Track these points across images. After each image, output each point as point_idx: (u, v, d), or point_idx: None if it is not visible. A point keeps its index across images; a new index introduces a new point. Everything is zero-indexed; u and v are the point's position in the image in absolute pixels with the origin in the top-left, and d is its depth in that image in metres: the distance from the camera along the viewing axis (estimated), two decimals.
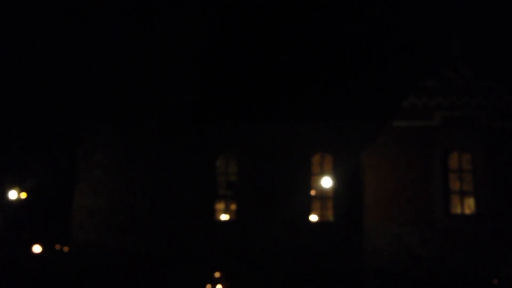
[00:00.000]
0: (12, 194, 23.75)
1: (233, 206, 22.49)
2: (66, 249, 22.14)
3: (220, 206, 22.58)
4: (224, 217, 22.49)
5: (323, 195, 22.20)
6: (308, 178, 22.05)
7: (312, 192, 22.13)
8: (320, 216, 22.16)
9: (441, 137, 18.78)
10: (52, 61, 25.42)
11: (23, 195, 24.37)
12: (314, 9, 25.09)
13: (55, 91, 25.31)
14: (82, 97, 23.60)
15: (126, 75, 23.22)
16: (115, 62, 23.39)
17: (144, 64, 23.25)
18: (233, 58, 24.02)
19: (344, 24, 24.29)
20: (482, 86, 18.68)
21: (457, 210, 18.98)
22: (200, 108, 22.78)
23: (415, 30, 23.10)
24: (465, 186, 19.07)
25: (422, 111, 18.89)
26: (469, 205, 19.08)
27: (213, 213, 22.34)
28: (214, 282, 17.73)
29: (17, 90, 25.64)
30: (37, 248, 22.01)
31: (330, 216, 22.04)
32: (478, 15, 20.36)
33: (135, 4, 23.79)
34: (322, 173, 22.12)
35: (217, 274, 18.00)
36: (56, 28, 25.63)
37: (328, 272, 18.37)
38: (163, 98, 22.98)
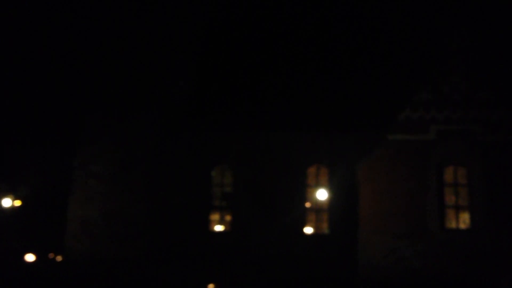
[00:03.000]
0: (6, 202, 23.65)
1: (228, 217, 22.44)
2: (59, 258, 21.99)
3: (215, 217, 22.53)
4: (219, 228, 22.43)
5: (318, 207, 22.19)
6: (303, 190, 22.07)
7: (307, 204, 22.11)
8: (315, 228, 22.14)
9: (436, 151, 18.78)
10: (47, 70, 25.43)
11: (18, 203, 24.28)
12: (311, 20, 25.23)
13: (51, 100, 25.31)
14: (77, 107, 23.66)
15: (121, 85, 23.28)
16: (110, 73, 23.46)
17: (138, 74, 23.32)
18: (227, 68, 24.11)
19: (341, 36, 24.45)
20: (478, 100, 18.71)
21: (452, 224, 18.94)
22: (195, 118, 22.81)
23: (411, 43, 23.26)
24: (460, 201, 19.04)
25: (417, 125, 18.90)
26: (464, 220, 19.04)
27: (208, 224, 22.30)
28: None
29: (12, 99, 25.62)
30: (30, 257, 21.87)
31: (325, 228, 22.02)
32: (474, 29, 20.45)
33: (131, 10, 23.93)
34: (318, 185, 22.13)
35: (210, 286, 17.93)
36: (51, 36, 25.67)
37: (322, 285, 18.27)
38: (157, 107, 23.03)
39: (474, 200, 18.71)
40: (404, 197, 18.66)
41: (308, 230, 22.02)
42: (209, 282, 18.15)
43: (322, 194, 21.77)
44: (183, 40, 23.99)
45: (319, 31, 24.79)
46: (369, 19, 24.61)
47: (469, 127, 18.65)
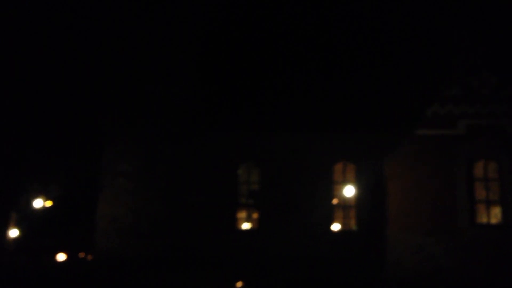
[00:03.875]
0: (38, 203, 24.14)
1: (255, 215, 22.47)
2: (90, 257, 22.34)
3: (242, 214, 22.60)
4: (246, 225, 22.49)
5: (345, 203, 22.09)
6: (330, 187, 21.95)
7: (335, 201, 22.00)
8: (342, 225, 22.04)
9: (465, 146, 18.43)
10: (73, 71, 25.76)
11: (49, 203, 24.74)
12: (338, 15, 24.99)
13: (79, 101, 25.64)
14: (104, 107, 23.90)
15: (148, 84, 23.45)
16: (135, 73, 23.63)
17: (165, 74, 23.45)
18: (254, 67, 24.04)
19: (366, 32, 24.14)
20: (507, 94, 18.33)
21: (483, 219, 18.59)
22: (222, 116, 22.84)
23: (439, 38, 22.85)
24: (491, 195, 18.67)
25: (446, 120, 18.57)
26: (495, 214, 18.69)
27: (235, 222, 22.35)
28: None
29: (42, 100, 26.04)
30: (61, 256, 22.28)
31: (352, 225, 21.90)
32: (503, 23, 19.97)
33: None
34: (345, 181, 22.00)
35: (238, 284, 17.99)
36: (71, 42, 26.01)
37: (349, 282, 18.19)
38: (184, 106, 23.11)
39: (506, 194, 18.32)
40: (432, 192, 18.36)
41: (336, 226, 21.91)
42: (237, 280, 18.20)
43: (349, 191, 21.64)
44: (206, 40, 24.04)
45: (347, 27, 24.53)
46: (398, 14, 24.23)
47: (498, 122, 18.24)
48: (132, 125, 23.36)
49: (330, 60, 23.61)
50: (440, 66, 21.08)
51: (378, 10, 24.46)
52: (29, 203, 24.34)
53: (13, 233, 23.69)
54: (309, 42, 24.36)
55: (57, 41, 26.14)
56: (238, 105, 23.02)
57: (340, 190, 21.93)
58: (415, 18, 23.69)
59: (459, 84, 18.73)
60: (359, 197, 21.54)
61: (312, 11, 25.09)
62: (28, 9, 26.63)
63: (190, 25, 23.97)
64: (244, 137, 22.53)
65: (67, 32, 26.08)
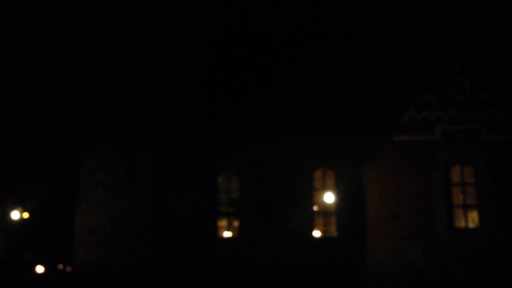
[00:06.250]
0: (15, 215, 23.83)
1: (235, 223, 22.43)
2: (68, 269, 22.08)
3: (222, 223, 22.53)
4: (227, 234, 22.43)
5: (326, 210, 22.16)
6: (310, 194, 22.04)
7: (315, 208, 22.08)
8: (323, 231, 22.10)
9: (442, 151, 18.66)
10: (52, 79, 25.55)
11: (26, 215, 24.43)
12: (315, 24, 25.25)
13: (56, 111, 25.42)
14: (82, 117, 23.72)
15: (126, 93, 23.37)
16: (115, 81, 23.54)
17: (144, 81, 23.39)
18: (232, 74, 24.15)
19: (344, 38, 24.42)
20: (482, 99, 18.57)
21: (461, 223, 18.78)
22: (200, 124, 22.83)
23: (414, 44, 23.20)
24: (468, 200, 18.89)
25: (422, 125, 18.79)
26: (472, 219, 18.89)
27: (216, 230, 22.29)
28: None
29: (18, 111, 25.77)
30: (39, 269, 21.98)
31: (333, 231, 21.97)
32: (476, 28, 20.36)
33: (135, 22, 24.03)
34: (325, 188, 22.11)
35: None
36: (56, 45, 25.80)
37: (331, 287, 18.22)
38: (163, 115, 23.07)
39: (482, 198, 18.54)
40: (410, 198, 18.51)
41: (317, 233, 21.98)
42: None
43: (329, 197, 21.75)
44: (186, 46, 24.04)
45: (323, 35, 24.81)
46: (372, 21, 24.58)
47: (473, 127, 18.49)
48: (110, 134, 23.19)
49: (307, 68, 23.82)
50: (417, 72, 21.40)
51: (358, 18, 24.78)
52: (6, 215, 24.00)
53: None
54: (284, 50, 24.56)
55: (34, 45, 25.95)
56: (216, 113, 23.06)
57: (320, 197, 22.03)
58: (391, 26, 24.06)
59: (434, 90, 18.98)
60: (339, 203, 21.66)
61: (296, 17, 25.37)
62: None
63: (175, 32, 23.95)
64: (222, 146, 22.53)
65: (45, 36, 25.90)
